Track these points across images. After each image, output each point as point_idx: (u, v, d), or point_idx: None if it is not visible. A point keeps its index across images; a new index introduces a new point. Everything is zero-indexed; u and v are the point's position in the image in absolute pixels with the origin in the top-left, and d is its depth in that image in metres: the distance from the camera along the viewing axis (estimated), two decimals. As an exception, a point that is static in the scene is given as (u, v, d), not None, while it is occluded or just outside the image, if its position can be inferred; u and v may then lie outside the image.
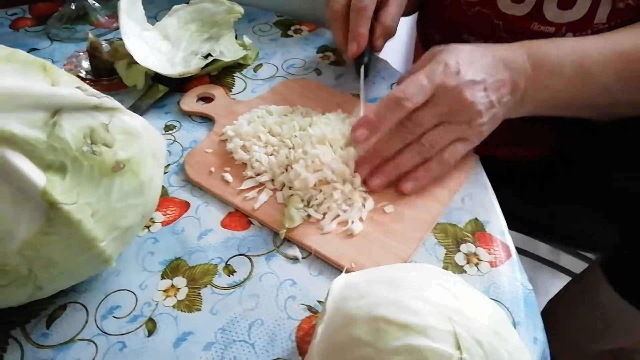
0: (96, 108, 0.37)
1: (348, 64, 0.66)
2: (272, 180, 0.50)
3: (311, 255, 0.45)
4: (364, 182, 0.49)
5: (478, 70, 0.46)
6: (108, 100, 0.38)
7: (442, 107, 0.45)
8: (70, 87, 0.37)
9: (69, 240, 0.36)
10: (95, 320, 0.41)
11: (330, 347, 0.31)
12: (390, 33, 0.59)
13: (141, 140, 0.40)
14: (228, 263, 0.45)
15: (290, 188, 0.48)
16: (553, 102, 0.49)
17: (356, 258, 0.44)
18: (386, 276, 0.34)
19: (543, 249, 1.17)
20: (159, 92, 0.63)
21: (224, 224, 0.48)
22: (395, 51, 1.18)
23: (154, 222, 0.48)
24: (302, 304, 0.42)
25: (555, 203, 0.71)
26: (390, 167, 0.48)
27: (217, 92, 0.62)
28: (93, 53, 0.61)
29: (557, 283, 1.26)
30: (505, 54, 0.48)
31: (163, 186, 0.52)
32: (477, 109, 0.45)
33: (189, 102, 0.61)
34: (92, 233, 0.36)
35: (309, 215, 0.47)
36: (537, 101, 0.49)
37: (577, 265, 1.11)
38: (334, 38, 0.61)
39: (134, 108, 0.60)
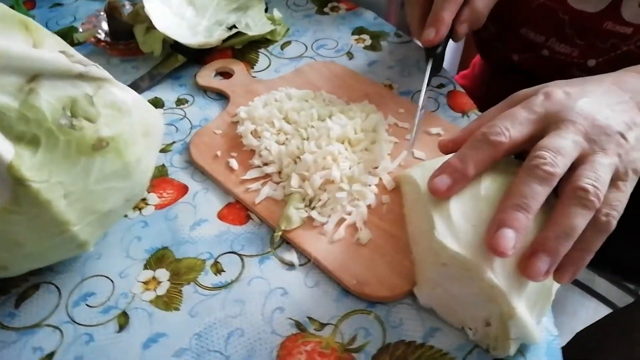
0: (81, 77, 0.33)
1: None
2: (279, 172, 0.45)
3: (310, 262, 0.40)
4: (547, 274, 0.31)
5: (593, 94, 0.35)
6: (96, 69, 0.34)
7: (573, 133, 0.33)
8: (53, 50, 0.33)
9: (37, 222, 0.32)
10: (67, 306, 0.38)
11: None
12: (478, 20, 0.49)
13: (131, 116, 0.36)
14: (217, 260, 0.41)
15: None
16: None
17: (359, 273, 0.39)
18: None
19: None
20: (176, 62, 0.58)
21: (220, 216, 0.44)
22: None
23: (147, 204, 0.45)
24: (290, 319, 0.37)
25: None
26: (576, 249, 0.32)
27: (238, 67, 0.57)
28: (111, 14, 0.58)
29: (587, 304, 1.18)
30: (615, 78, 0.38)
31: (163, 165, 0.48)
32: (614, 129, 0.33)
33: (206, 75, 0.57)
34: (63, 216, 0.33)
35: (312, 217, 0.42)
36: None
37: (613, 292, 1.03)
38: (408, 16, 0.51)
39: (148, 76, 0.57)
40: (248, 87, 0.55)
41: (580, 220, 0.31)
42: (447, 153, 0.38)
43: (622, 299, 1.03)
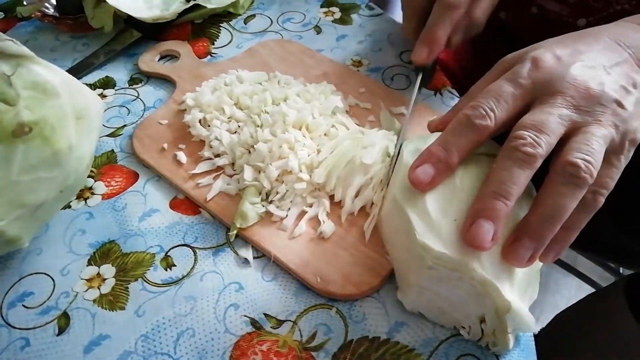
0: (-6, 54, 0.29)
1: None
2: (233, 164, 0.42)
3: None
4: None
5: (588, 55, 0.32)
6: (13, 45, 0.30)
7: (560, 107, 0.30)
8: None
9: (-49, 218, 0.29)
10: (1, 308, 0.35)
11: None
12: (476, 29, 0.45)
13: (59, 98, 0.32)
14: (168, 254, 0.38)
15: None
16: None
17: (323, 270, 0.36)
18: None
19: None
20: (131, 38, 0.54)
21: (172, 205, 0.41)
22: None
23: (93, 194, 0.41)
24: (245, 316, 0.34)
25: None
26: (561, 227, 0.29)
27: (184, 50, 0.53)
28: (57, -15, 0.53)
29: (570, 283, 1.18)
30: (615, 32, 0.34)
31: (112, 151, 0.44)
32: (610, 97, 0.30)
33: (149, 60, 0.52)
34: (-18, 211, 0.29)
35: (270, 212, 0.39)
36: None
37: (596, 271, 1.03)
38: (402, 26, 0.47)
39: (99, 54, 0.52)
40: (195, 71, 0.50)
41: (569, 200, 0.28)
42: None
43: (603, 275, 1.02)
